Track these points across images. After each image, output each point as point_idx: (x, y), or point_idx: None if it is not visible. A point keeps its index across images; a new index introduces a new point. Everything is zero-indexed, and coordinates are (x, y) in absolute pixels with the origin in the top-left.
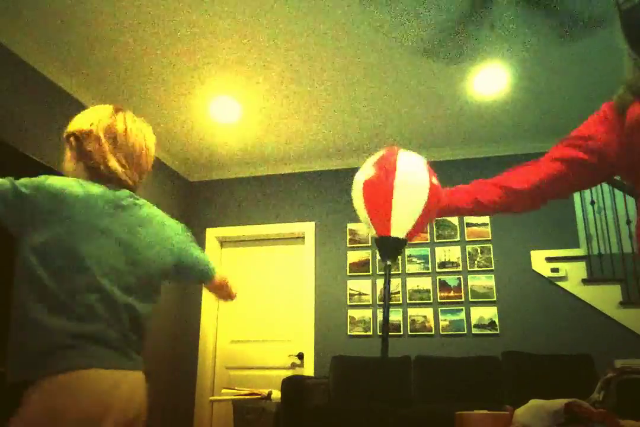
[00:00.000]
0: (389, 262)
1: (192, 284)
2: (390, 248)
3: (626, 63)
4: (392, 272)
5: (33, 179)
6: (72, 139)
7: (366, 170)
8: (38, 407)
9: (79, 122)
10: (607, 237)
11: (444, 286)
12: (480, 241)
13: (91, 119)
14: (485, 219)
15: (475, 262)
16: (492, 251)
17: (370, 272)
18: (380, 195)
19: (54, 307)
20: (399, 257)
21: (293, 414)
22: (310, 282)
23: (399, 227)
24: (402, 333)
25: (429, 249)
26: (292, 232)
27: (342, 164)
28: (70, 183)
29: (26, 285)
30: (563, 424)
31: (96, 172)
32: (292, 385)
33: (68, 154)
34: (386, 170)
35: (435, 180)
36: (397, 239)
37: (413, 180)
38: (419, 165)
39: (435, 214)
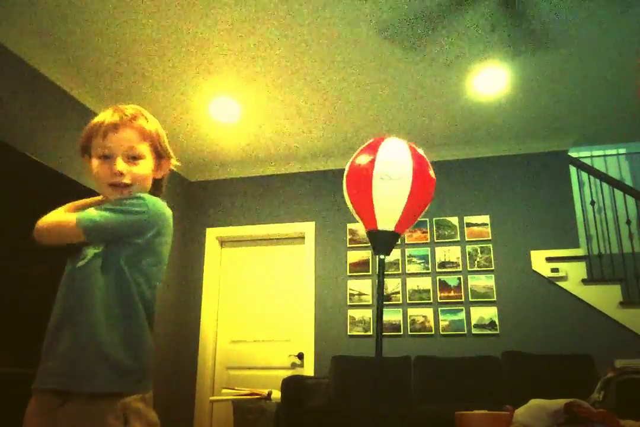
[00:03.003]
0: (381, 256)
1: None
2: (380, 242)
3: None
4: (392, 272)
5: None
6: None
7: (349, 162)
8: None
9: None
10: (607, 237)
11: (444, 286)
12: (480, 241)
13: None
14: (485, 219)
15: (475, 262)
16: (492, 251)
17: (370, 272)
18: (361, 187)
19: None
20: (399, 255)
21: (293, 414)
22: (310, 282)
23: (386, 220)
24: (402, 333)
25: (429, 249)
26: (292, 232)
27: (342, 164)
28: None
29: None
30: (563, 424)
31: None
32: (292, 385)
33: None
34: (365, 162)
35: (427, 170)
36: (385, 232)
37: (392, 171)
38: (400, 155)
39: (425, 204)
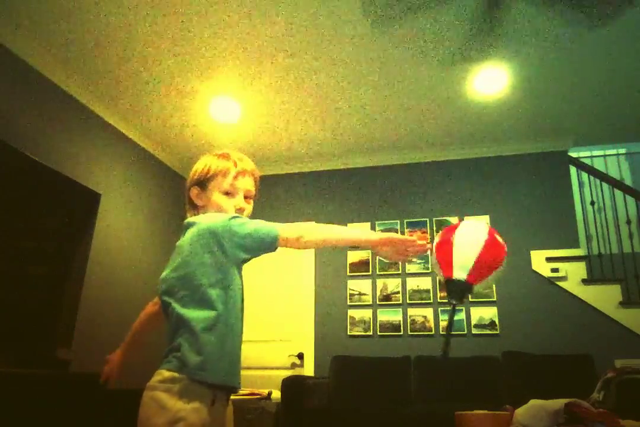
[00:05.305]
0: (454, 302)
1: None
2: (455, 289)
3: None
4: (392, 272)
5: None
6: None
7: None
8: None
9: None
10: (607, 237)
11: (444, 285)
12: None
13: None
14: (485, 218)
15: None
16: None
17: (370, 272)
18: (445, 249)
19: None
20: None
21: (293, 414)
22: (310, 282)
23: (460, 271)
24: (402, 333)
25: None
26: None
27: (342, 164)
28: None
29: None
30: (563, 424)
31: None
32: (292, 385)
33: None
34: (448, 233)
35: (496, 237)
36: (459, 280)
37: (468, 238)
38: (475, 227)
39: (492, 262)
